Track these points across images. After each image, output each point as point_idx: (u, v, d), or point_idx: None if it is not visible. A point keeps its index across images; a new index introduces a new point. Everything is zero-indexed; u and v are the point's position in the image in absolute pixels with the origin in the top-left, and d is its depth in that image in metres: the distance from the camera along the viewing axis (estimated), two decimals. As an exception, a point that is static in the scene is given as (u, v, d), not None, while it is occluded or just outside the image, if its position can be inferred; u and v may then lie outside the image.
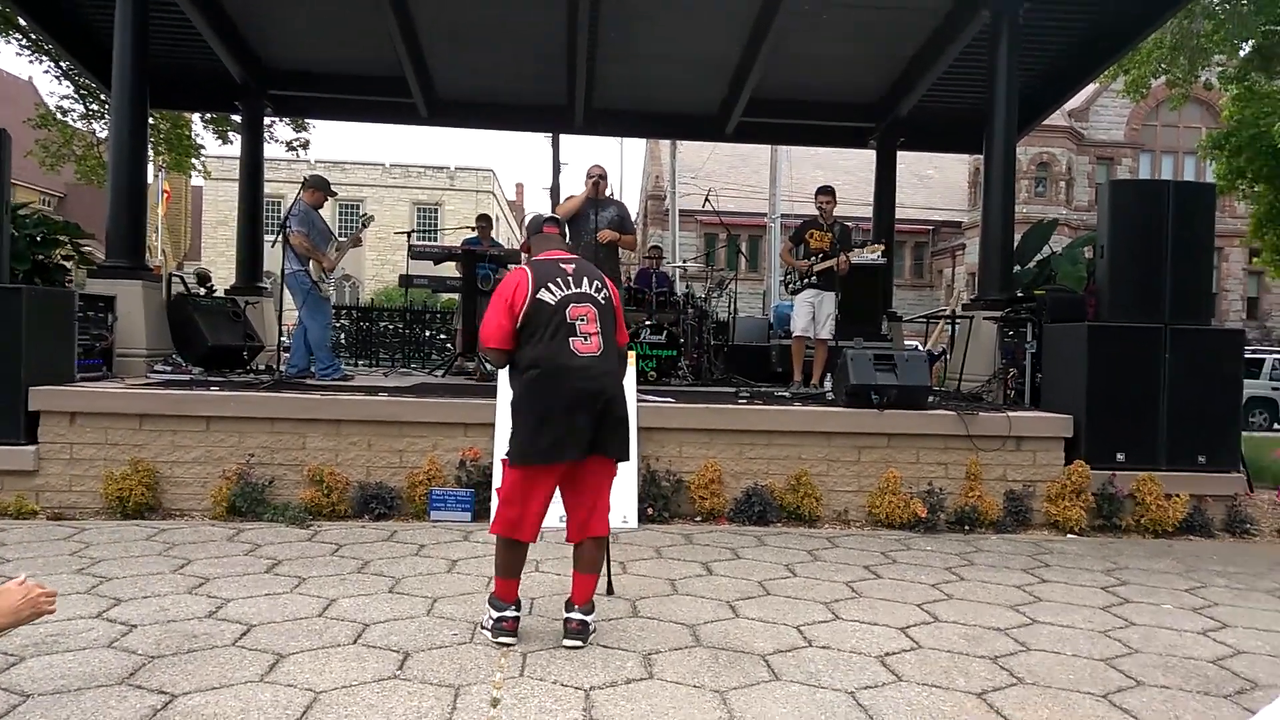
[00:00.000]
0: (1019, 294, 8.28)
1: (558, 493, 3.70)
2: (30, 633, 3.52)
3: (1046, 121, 13.44)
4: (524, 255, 4.25)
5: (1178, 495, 6.22)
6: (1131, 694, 3.29)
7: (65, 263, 8.54)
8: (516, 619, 3.65)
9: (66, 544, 5.09)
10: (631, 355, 6.59)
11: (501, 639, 3.59)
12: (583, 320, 3.60)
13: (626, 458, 3.71)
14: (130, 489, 5.72)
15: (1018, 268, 9.30)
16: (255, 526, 5.60)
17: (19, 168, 22.08)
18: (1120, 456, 6.37)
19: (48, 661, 3.29)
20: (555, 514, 3.85)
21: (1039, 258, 9.85)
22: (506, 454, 3.65)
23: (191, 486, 5.95)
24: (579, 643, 3.57)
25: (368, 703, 3.02)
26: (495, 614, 3.63)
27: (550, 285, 3.62)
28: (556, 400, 3.53)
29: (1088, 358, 6.43)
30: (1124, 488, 6.24)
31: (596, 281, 3.72)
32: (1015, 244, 9.08)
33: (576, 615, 3.61)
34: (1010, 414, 6.46)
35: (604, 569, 4.09)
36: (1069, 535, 6.07)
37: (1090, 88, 30.45)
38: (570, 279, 3.67)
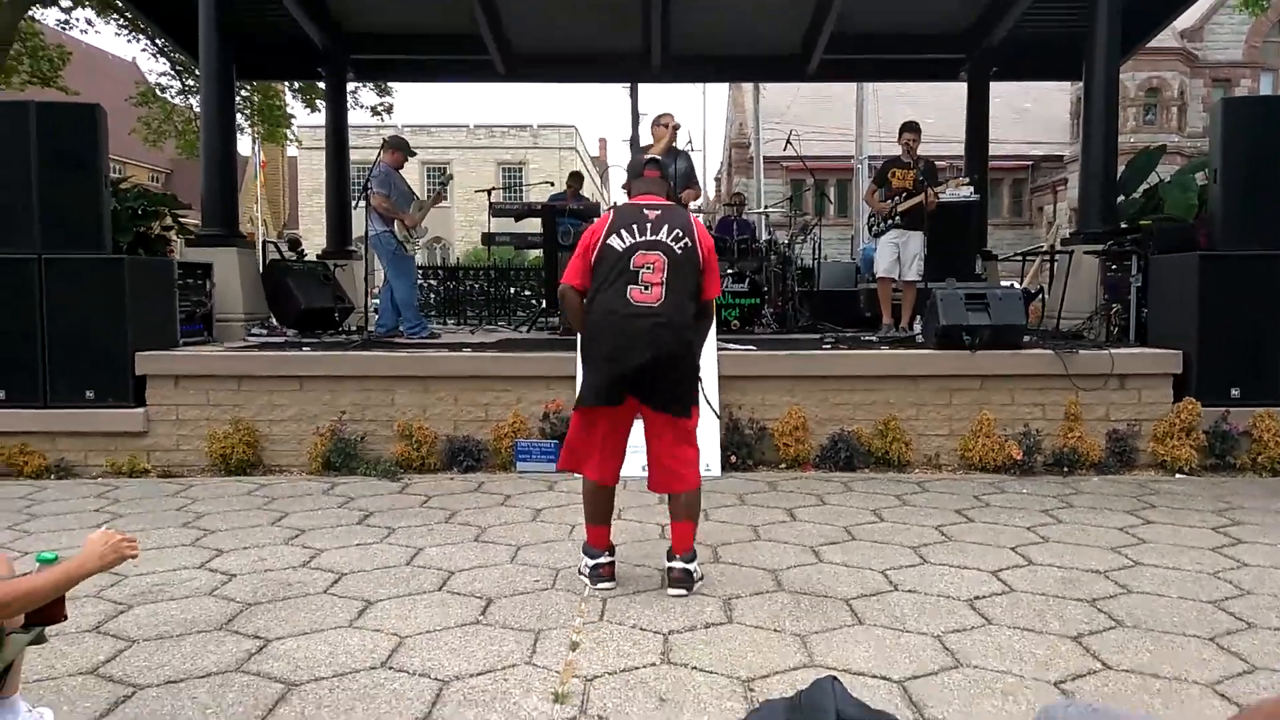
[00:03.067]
0: (1123, 226, 7.81)
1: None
2: (137, 583, 3.72)
3: (1155, 43, 12.58)
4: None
5: (1299, 432, 5.81)
6: (1241, 636, 3.10)
7: (166, 233, 8.89)
8: (611, 564, 3.68)
9: (174, 500, 5.35)
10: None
11: (600, 585, 3.62)
12: (647, 269, 3.52)
13: (681, 414, 3.58)
14: (232, 447, 5.97)
15: (1121, 198, 8.76)
16: (348, 480, 5.78)
17: (128, 146, 23.05)
18: (1235, 393, 5.98)
19: (152, 609, 3.47)
20: (637, 463, 3.85)
21: (1145, 186, 9.25)
22: (579, 399, 3.70)
23: (289, 444, 6.17)
24: (683, 591, 3.55)
25: (450, 647, 3.08)
26: (590, 561, 3.68)
27: (623, 231, 3.56)
28: (607, 346, 3.52)
29: (1199, 290, 6.03)
30: (1239, 424, 5.87)
31: (678, 230, 3.58)
32: (1119, 173, 8.55)
33: (677, 564, 3.60)
34: (1113, 351, 6.12)
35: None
36: (1177, 475, 5.76)
37: (1204, 3, 28.41)
38: (649, 225, 3.57)
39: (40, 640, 2.29)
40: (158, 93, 18.44)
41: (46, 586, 2.16)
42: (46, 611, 2.24)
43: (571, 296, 3.66)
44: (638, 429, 3.69)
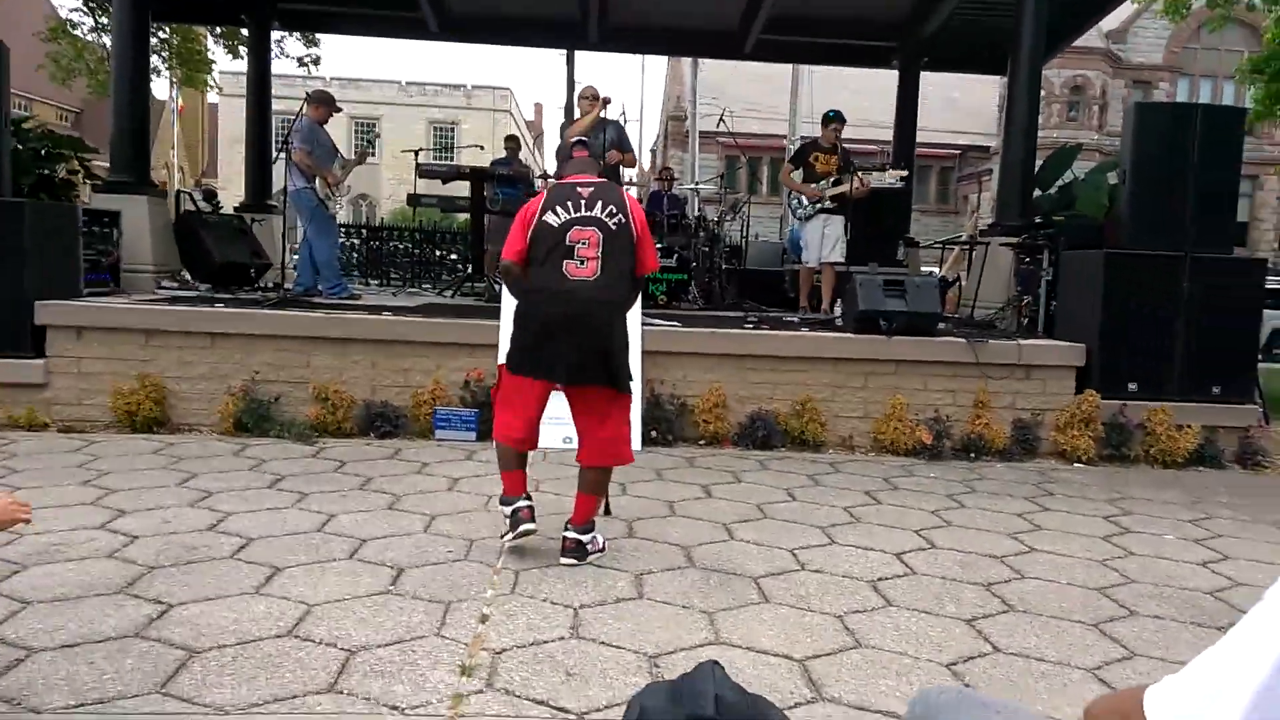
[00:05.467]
0: (1038, 220, 8.08)
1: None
2: (33, 542, 3.58)
3: (1081, 43, 12.99)
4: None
5: (1189, 426, 6.14)
6: (1123, 623, 3.28)
7: (72, 178, 8.49)
8: (530, 506, 3.70)
9: (74, 456, 5.16)
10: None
11: (523, 528, 3.63)
12: (583, 244, 3.58)
13: (612, 385, 3.64)
14: (138, 403, 5.77)
15: (1038, 193, 9.05)
16: (261, 442, 5.65)
17: (35, 82, 21.79)
18: (1133, 387, 6.28)
19: (48, 570, 3.35)
20: (558, 434, 3.87)
21: (1061, 183, 9.57)
22: (505, 356, 3.74)
23: (199, 402, 5.99)
24: (572, 561, 3.62)
25: (359, 616, 3.06)
26: (508, 509, 3.70)
27: (558, 208, 3.62)
28: (541, 320, 3.59)
29: (1104, 285, 6.29)
30: (1134, 418, 6.17)
31: (612, 206, 3.64)
32: (1037, 169, 8.82)
33: (571, 534, 3.66)
34: (1021, 342, 6.36)
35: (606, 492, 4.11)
36: (1076, 464, 6.03)
37: (1129, 8, 29.27)
38: (583, 202, 3.63)
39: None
40: (69, 28, 17.45)
41: None
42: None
43: (515, 271, 3.69)
44: (560, 400, 3.74)
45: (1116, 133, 29.64)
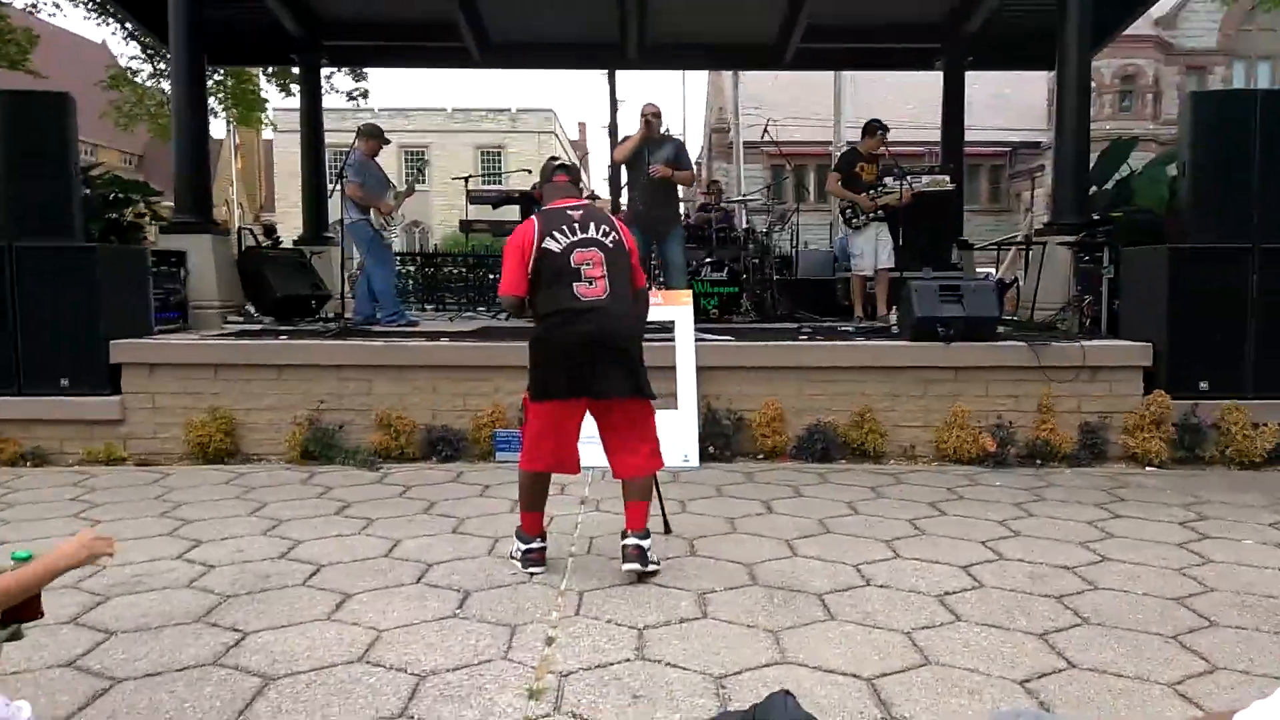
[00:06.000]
0: (1095, 217, 7.90)
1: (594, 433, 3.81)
2: (115, 573, 3.72)
3: (1131, 31, 12.64)
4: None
5: (1266, 424, 5.92)
6: (1203, 634, 3.17)
7: (139, 220, 8.80)
8: (543, 549, 3.83)
9: (151, 489, 5.33)
10: (689, 294, 6.56)
11: (531, 569, 3.76)
12: (588, 265, 3.66)
13: (634, 396, 3.72)
14: (210, 435, 5.95)
15: (1094, 189, 8.84)
16: (327, 470, 5.78)
17: (99, 129, 22.62)
18: (1204, 385, 6.08)
19: (131, 600, 3.47)
20: (596, 454, 3.91)
21: (1117, 178, 9.34)
22: (528, 390, 3.81)
23: (267, 432, 6.15)
24: (636, 566, 3.65)
25: (427, 641, 3.11)
26: (523, 546, 3.81)
27: (555, 233, 3.69)
28: (564, 343, 3.66)
29: (1169, 282, 6.11)
30: (1207, 417, 5.97)
31: (604, 225, 3.77)
32: (1091, 164, 8.63)
33: (632, 541, 3.69)
34: (1085, 343, 6.21)
35: (661, 507, 4.14)
36: (1148, 468, 5.86)
37: (1180, -8, 28.60)
38: (576, 225, 3.72)
39: (17, 637, 2.29)
40: (129, 76, 18.15)
41: (23, 583, 2.17)
42: (24, 609, 2.25)
43: (516, 304, 3.78)
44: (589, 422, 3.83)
45: (1172, 121, 28.85)
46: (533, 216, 3.83)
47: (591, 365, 3.63)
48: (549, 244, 3.67)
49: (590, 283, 3.65)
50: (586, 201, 3.93)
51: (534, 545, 3.80)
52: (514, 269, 3.71)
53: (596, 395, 3.69)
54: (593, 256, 3.67)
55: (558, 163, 4.11)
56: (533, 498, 3.84)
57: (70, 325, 6.10)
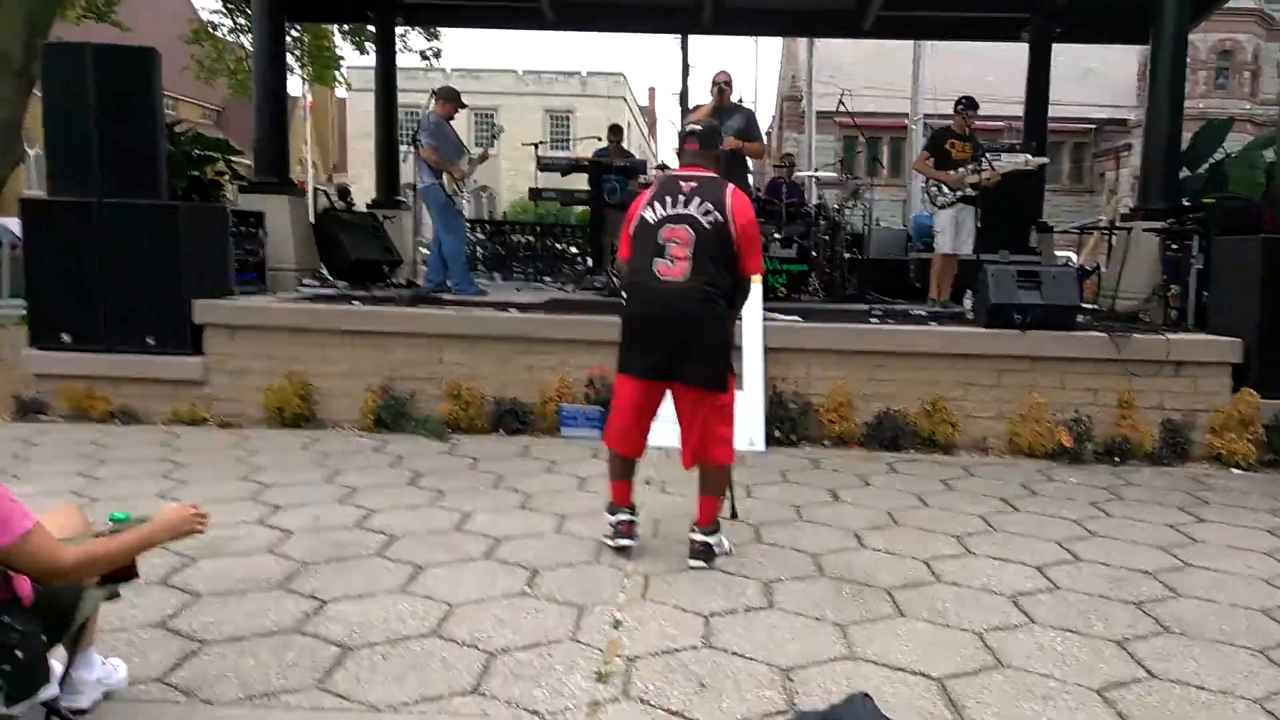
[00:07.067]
0: (1186, 202, 7.58)
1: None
2: (202, 536, 3.83)
3: (1231, 3, 12.03)
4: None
5: (1361, 428, 5.67)
6: (1292, 650, 3.07)
7: (220, 178, 8.98)
8: (631, 522, 3.79)
9: (232, 450, 5.51)
10: (757, 276, 6.47)
11: (620, 542, 3.76)
12: (674, 243, 3.56)
13: (712, 386, 3.63)
14: (287, 400, 6.11)
15: (1186, 172, 8.48)
16: (399, 438, 5.89)
17: (181, 82, 23.07)
18: (1296, 385, 5.84)
19: (216, 564, 3.60)
20: (674, 433, 3.89)
21: (1211, 161, 8.94)
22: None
23: (341, 399, 6.28)
24: (701, 563, 3.66)
25: (498, 618, 3.17)
26: (613, 519, 3.81)
27: (657, 203, 3.63)
28: (636, 320, 3.66)
29: (1263, 274, 5.85)
30: (1298, 419, 5.73)
31: (709, 204, 3.57)
32: (1184, 146, 8.26)
33: (698, 536, 3.71)
34: (1169, 336, 5.99)
35: (728, 492, 4.10)
36: (1233, 470, 5.65)
37: (1287, -39, 27.08)
38: (681, 197, 3.60)
39: (114, 597, 2.41)
40: (210, 30, 18.46)
41: (123, 550, 2.27)
42: (120, 570, 2.35)
43: (626, 271, 3.75)
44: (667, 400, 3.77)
45: (1271, 101, 27.53)
46: (653, 179, 3.80)
47: (665, 347, 3.59)
48: (647, 213, 3.62)
49: (672, 262, 3.55)
50: (707, 175, 3.71)
51: (621, 517, 3.78)
52: (624, 232, 3.71)
53: (670, 378, 3.64)
54: (681, 235, 3.55)
55: (684, 129, 3.96)
56: (613, 468, 3.85)
57: (155, 284, 6.26)
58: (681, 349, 3.57)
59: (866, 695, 1.70)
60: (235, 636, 2.98)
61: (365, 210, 10.39)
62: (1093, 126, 34.07)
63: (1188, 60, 7.75)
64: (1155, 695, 2.74)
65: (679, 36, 12.12)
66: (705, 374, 3.62)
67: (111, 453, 5.40)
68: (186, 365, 6.28)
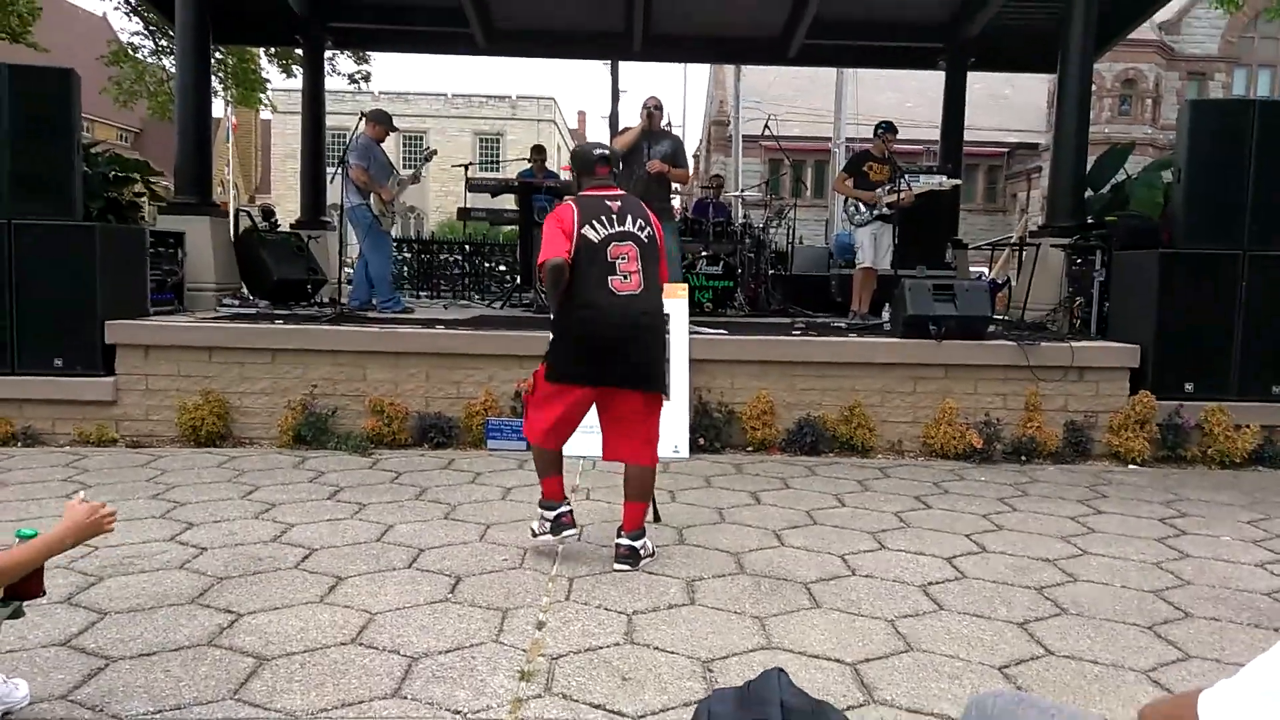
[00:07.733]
0: (1090, 220, 7.97)
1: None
2: (108, 554, 3.76)
3: (1133, 35, 12.67)
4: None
5: (1248, 426, 6.02)
6: (1178, 625, 3.26)
7: (138, 199, 8.79)
8: (570, 511, 3.84)
9: (143, 470, 5.36)
10: (684, 287, 6.60)
11: (564, 534, 3.80)
12: (623, 259, 3.69)
13: (655, 390, 3.80)
14: (202, 418, 5.97)
15: (1091, 193, 8.92)
16: (319, 455, 5.81)
17: (97, 104, 22.47)
18: (1189, 387, 6.17)
19: (124, 581, 3.51)
20: (595, 443, 3.95)
21: (1114, 182, 9.41)
22: (544, 362, 3.82)
23: (260, 416, 6.18)
24: (626, 567, 3.71)
25: (420, 624, 3.16)
26: (548, 515, 3.82)
27: (594, 222, 3.70)
28: (592, 334, 3.68)
29: (1158, 286, 6.20)
30: (1191, 418, 6.06)
31: (640, 219, 3.79)
32: (1089, 168, 8.70)
33: (624, 541, 3.76)
34: (1074, 344, 6.29)
35: (650, 496, 4.17)
36: (1130, 466, 5.94)
37: (1182, -3, 28.64)
38: (615, 216, 3.73)
39: (18, 615, 2.33)
40: (130, 52, 18.06)
41: (26, 560, 2.21)
42: (24, 586, 2.28)
43: (559, 268, 3.62)
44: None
45: (1171, 127, 28.92)
46: (569, 201, 3.80)
47: (614, 356, 3.67)
48: (588, 232, 3.67)
49: (625, 277, 3.67)
50: (625, 194, 3.89)
51: (560, 509, 3.81)
52: (556, 237, 3.65)
53: (614, 384, 3.71)
54: (628, 250, 3.69)
55: (598, 152, 3.96)
56: (544, 463, 3.87)
57: (66, 304, 6.09)
58: (637, 357, 3.70)
59: (781, 670, 1.76)
60: (145, 652, 2.90)
61: (290, 230, 10.25)
62: (1005, 150, 35.41)
63: (1093, 88, 8.17)
64: (1053, 670, 2.88)
65: (609, 62, 12.31)
66: (657, 377, 3.80)
67: (12, 475, 5.20)
68: (96, 386, 6.10)
